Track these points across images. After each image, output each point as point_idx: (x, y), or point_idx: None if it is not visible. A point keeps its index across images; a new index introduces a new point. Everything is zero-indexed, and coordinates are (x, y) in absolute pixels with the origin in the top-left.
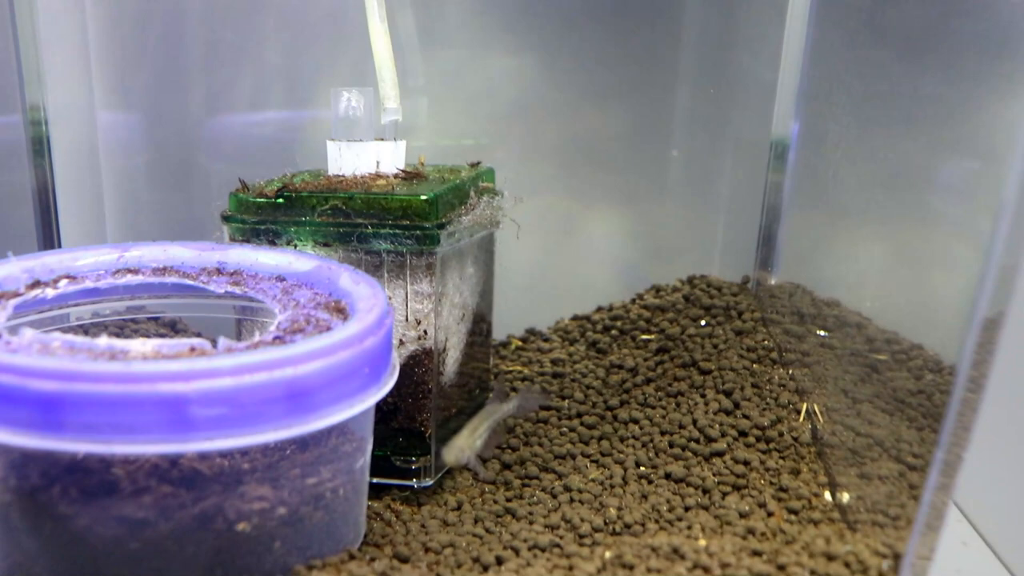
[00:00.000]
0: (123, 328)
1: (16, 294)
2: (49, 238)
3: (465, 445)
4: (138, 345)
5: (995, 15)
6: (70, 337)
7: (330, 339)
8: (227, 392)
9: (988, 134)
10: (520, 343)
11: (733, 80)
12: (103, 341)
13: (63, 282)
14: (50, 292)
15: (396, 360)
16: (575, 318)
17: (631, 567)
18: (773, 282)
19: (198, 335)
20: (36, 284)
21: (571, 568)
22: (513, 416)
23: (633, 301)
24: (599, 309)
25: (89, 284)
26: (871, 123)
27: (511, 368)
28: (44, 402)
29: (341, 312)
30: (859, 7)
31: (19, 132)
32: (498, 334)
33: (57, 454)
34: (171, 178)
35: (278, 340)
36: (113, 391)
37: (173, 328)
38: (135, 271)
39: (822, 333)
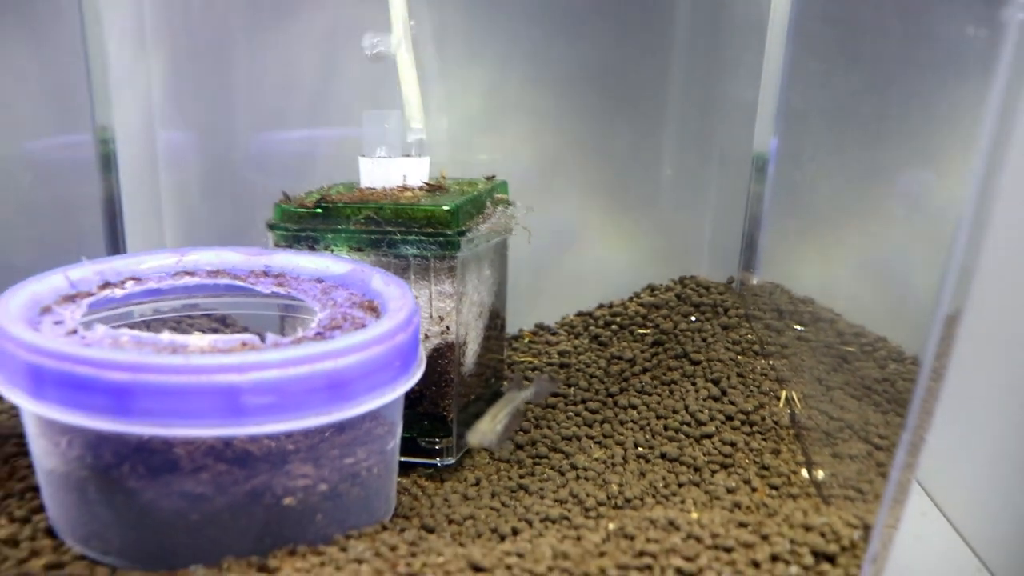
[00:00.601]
0: (180, 322)
1: (89, 294)
2: (115, 243)
3: (487, 429)
4: (196, 340)
5: (951, 43)
6: (136, 332)
7: (365, 335)
8: (275, 382)
9: (942, 149)
10: (531, 336)
11: (718, 100)
12: (165, 336)
13: (129, 283)
14: (118, 292)
15: (423, 353)
16: (579, 314)
17: (632, 537)
18: (755, 282)
19: (245, 329)
20: (106, 285)
21: (579, 538)
22: (528, 402)
23: (631, 299)
24: (601, 306)
25: (152, 285)
26: (841, 138)
27: (523, 359)
28: (116, 391)
29: (374, 311)
30: (831, 33)
31: (90, 149)
32: (511, 328)
33: (127, 436)
34: (220, 189)
35: (319, 336)
36: (176, 381)
37: (223, 323)
38: (192, 273)
39: (798, 327)
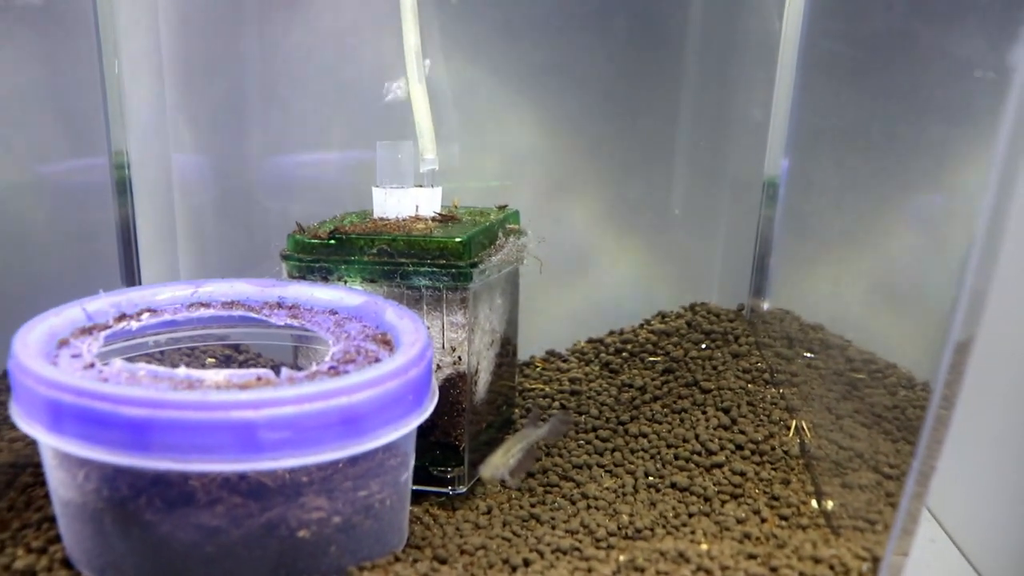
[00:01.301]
0: (193, 350)
1: (106, 326)
2: (130, 267)
3: (500, 463)
4: (211, 375)
5: (962, 64)
6: (153, 367)
7: (379, 371)
8: (290, 418)
9: (953, 173)
10: (542, 363)
11: (729, 124)
12: (182, 371)
13: (145, 315)
14: (134, 324)
15: (435, 386)
16: (590, 341)
17: (642, 570)
18: (765, 308)
19: (258, 355)
20: (122, 317)
21: (590, 570)
22: (544, 440)
23: (641, 326)
24: (611, 333)
25: (167, 316)
26: (851, 161)
27: (534, 386)
28: (134, 426)
29: (387, 344)
30: (841, 55)
31: (105, 174)
32: (522, 355)
33: (143, 469)
34: (233, 213)
35: (333, 370)
36: (193, 417)
37: (236, 349)
38: (207, 304)
39: (808, 355)
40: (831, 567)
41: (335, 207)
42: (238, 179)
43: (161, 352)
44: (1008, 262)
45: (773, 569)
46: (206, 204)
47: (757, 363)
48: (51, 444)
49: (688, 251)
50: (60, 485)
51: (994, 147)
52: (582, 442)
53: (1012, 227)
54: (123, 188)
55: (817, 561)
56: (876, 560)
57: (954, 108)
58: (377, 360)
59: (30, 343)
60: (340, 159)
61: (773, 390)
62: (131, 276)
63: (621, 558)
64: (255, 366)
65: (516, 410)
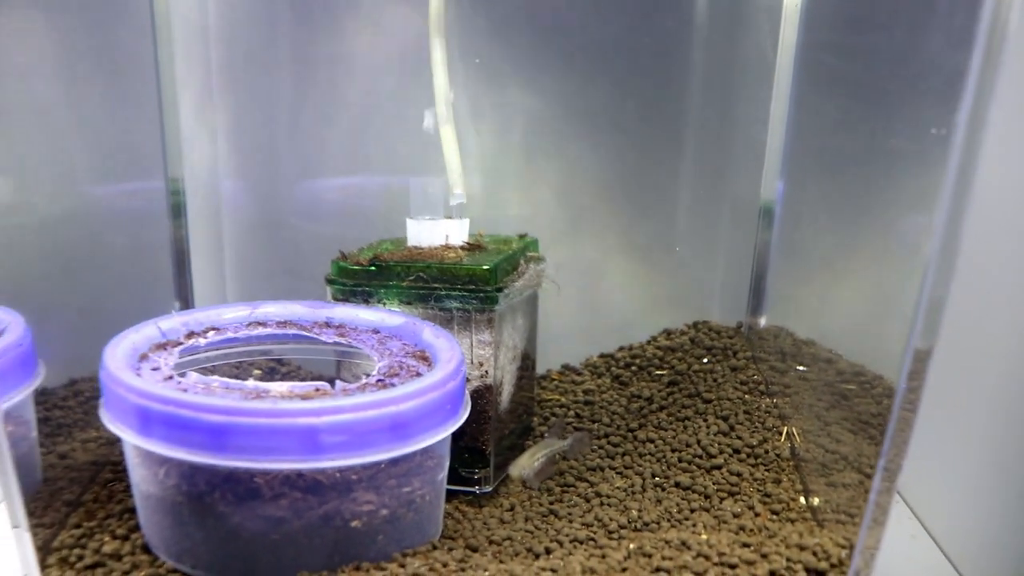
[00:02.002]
0: (241, 363)
1: (178, 343)
2: (183, 286)
3: (527, 463)
4: (276, 386)
5: (954, 86)
6: (224, 379)
7: (422, 383)
8: (348, 424)
9: (936, 193)
10: (558, 376)
11: (729, 148)
12: (250, 383)
13: (211, 333)
14: (201, 341)
15: (468, 397)
16: (601, 356)
17: (650, 555)
18: (762, 325)
19: (298, 368)
20: (191, 334)
21: (604, 556)
22: (564, 455)
23: (649, 342)
24: (621, 349)
25: (229, 334)
26: (841, 182)
27: (550, 397)
28: (213, 430)
29: (426, 360)
30: (834, 76)
31: (162, 199)
32: (540, 369)
33: (218, 467)
34: (276, 236)
35: (380, 383)
36: (265, 423)
37: (279, 363)
38: (264, 324)
39: (800, 368)
40: (814, 553)
41: (370, 230)
42: (280, 203)
43: (212, 365)
44: (1001, 265)
45: (764, 555)
46: (251, 227)
47: (754, 375)
48: (139, 445)
49: (691, 273)
50: (142, 480)
51: (950, 159)
52: (595, 447)
53: (968, 239)
54: (177, 212)
55: (802, 548)
56: (853, 547)
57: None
58: (418, 374)
59: (118, 356)
60: (374, 184)
61: (768, 400)
62: (184, 292)
63: (631, 546)
64: (295, 379)
65: (535, 418)
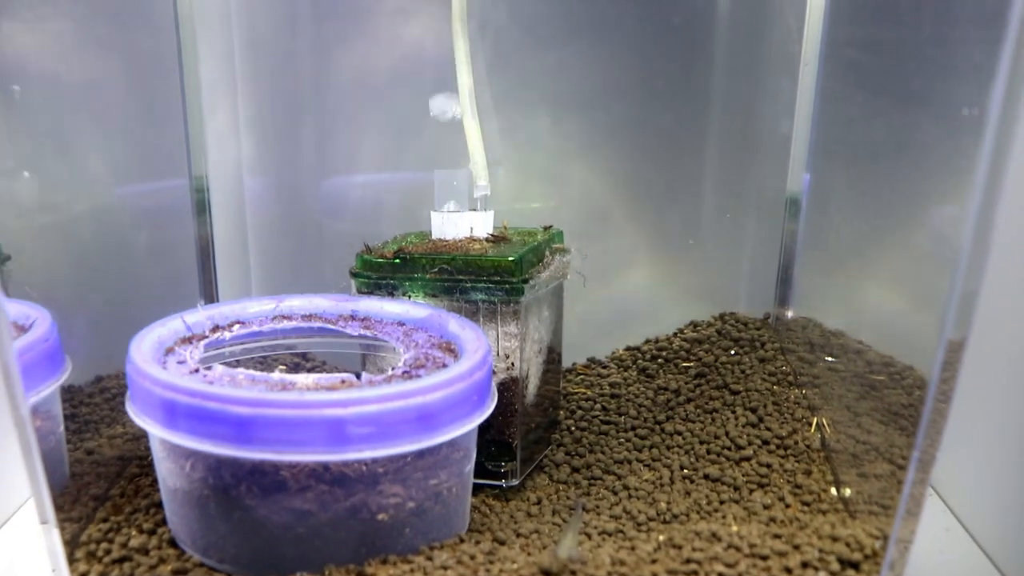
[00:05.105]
0: (266, 357)
1: (204, 336)
2: (208, 282)
3: (571, 544)
4: (302, 378)
5: (981, 75)
6: (250, 372)
7: (449, 374)
8: (374, 415)
9: (966, 183)
10: (584, 369)
11: (754, 140)
12: (276, 375)
13: (236, 326)
14: (226, 335)
15: (495, 389)
16: (628, 348)
17: (680, 547)
18: (789, 316)
19: (323, 363)
20: (217, 328)
21: (633, 548)
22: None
23: (675, 334)
24: (647, 341)
25: (255, 328)
26: (870, 173)
27: (577, 390)
28: (239, 422)
29: (452, 351)
30: (861, 66)
31: (186, 196)
32: (566, 362)
33: (243, 460)
34: (299, 231)
35: (406, 374)
36: (291, 415)
37: (304, 357)
38: (288, 317)
39: (829, 359)
40: (847, 544)
41: (393, 225)
42: (303, 199)
43: (237, 360)
44: (1010, 251)
45: (795, 546)
46: (274, 223)
47: (782, 367)
48: (165, 438)
49: (717, 265)
50: (168, 474)
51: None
52: (622, 440)
53: (1004, 223)
54: (202, 209)
55: (835, 539)
56: (887, 538)
57: (972, 115)
58: (444, 366)
59: (144, 350)
60: (396, 179)
61: (796, 391)
62: (208, 288)
63: (660, 538)
64: (321, 372)
65: (560, 412)
